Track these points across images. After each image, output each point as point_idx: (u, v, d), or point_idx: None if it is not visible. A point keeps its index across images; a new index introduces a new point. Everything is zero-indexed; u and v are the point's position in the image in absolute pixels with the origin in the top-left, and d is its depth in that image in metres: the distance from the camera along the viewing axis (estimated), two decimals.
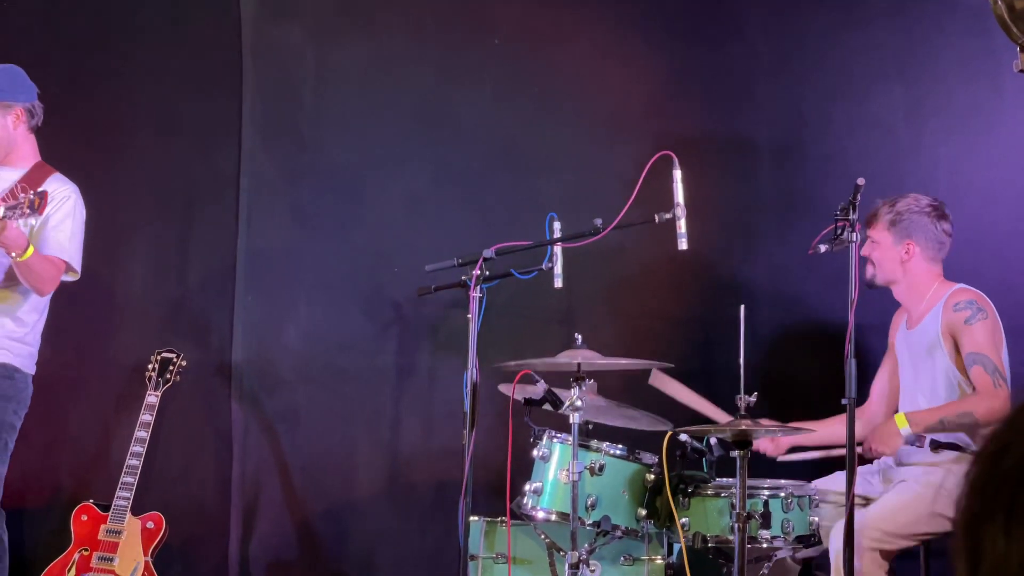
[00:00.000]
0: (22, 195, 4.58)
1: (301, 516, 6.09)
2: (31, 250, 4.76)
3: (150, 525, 5.66)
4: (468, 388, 4.74)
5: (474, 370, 4.75)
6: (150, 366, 5.93)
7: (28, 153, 5.02)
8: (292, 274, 6.23)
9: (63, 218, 4.97)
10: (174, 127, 6.33)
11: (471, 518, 4.74)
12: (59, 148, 6.29)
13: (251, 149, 6.24)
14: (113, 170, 6.32)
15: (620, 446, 4.80)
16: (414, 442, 6.08)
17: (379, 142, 6.22)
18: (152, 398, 5.83)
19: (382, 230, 6.17)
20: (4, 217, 4.52)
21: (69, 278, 5.01)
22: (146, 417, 5.78)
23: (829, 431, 5.15)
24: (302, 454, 6.13)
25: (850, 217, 4.55)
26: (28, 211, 4.54)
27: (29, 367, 5.03)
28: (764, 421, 4.69)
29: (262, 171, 6.25)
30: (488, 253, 4.80)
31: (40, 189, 4.68)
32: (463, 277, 4.88)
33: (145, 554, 5.61)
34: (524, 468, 4.89)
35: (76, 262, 5.01)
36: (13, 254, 4.72)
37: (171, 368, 5.93)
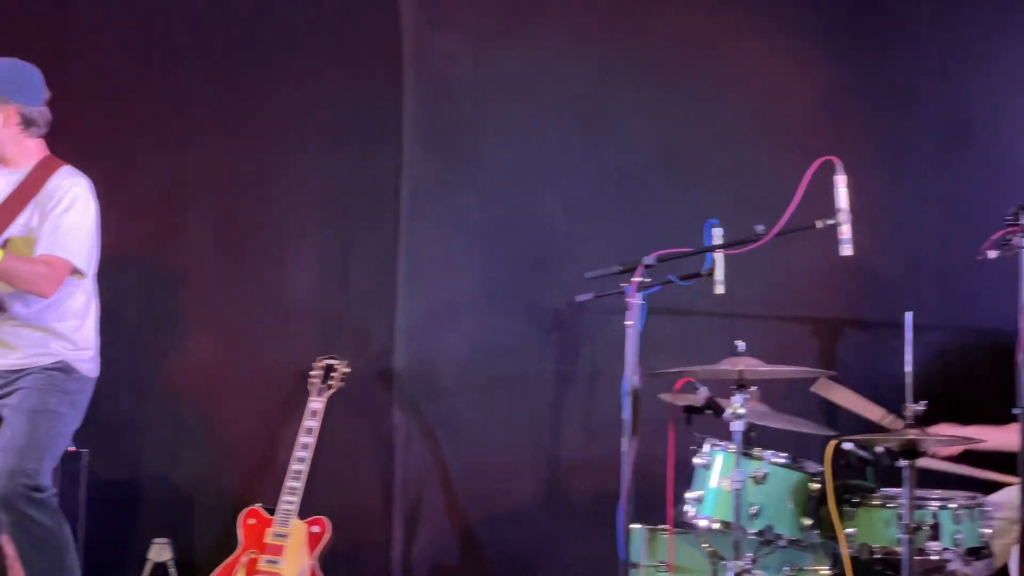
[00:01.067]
0: None
1: (462, 522, 6.12)
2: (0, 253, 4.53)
3: (315, 529, 5.74)
4: (628, 395, 4.70)
5: (634, 377, 4.71)
6: (314, 372, 6.01)
7: (33, 154, 4.80)
8: (452, 281, 6.27)
9: (62, 213, 4.69)
10: (336, 136, 6.41)
11: (632, 526, 4.72)
12: (222, 158, 6.45)
13: (412, 157, 6.29)
14: (277, 179, 6.43)
15: (783, 454, 4.73)
16: (573, 449, 6.06)
17: (538, 148, 6.22)
18: (316, 404, 5.91)
19: (541, 237, 6.17)
20: None
21: (75, 279, 4.74)
22: (310, 423, 5.86)
23: (1001, 439, 5.00)
24: (462, 460, 6.16)
25: (1021, 222, 4.41)
26: None
27: (88, 370, 4.87)
28: (936, 428, 4.58)
29: (422, 179, 6.30)
30: (649, 260, 4.74)
31: None
32: (623, 284, 4.85)
33: (311, 558, 5.69)
34: (684, 476, 4.85)
35: (80, 260, 4.71)
36: None
37: (334, 374, 6.00)
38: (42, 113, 4.81)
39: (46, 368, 4.72)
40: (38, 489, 4.55)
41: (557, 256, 6.11)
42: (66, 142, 6.22)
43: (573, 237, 6.11)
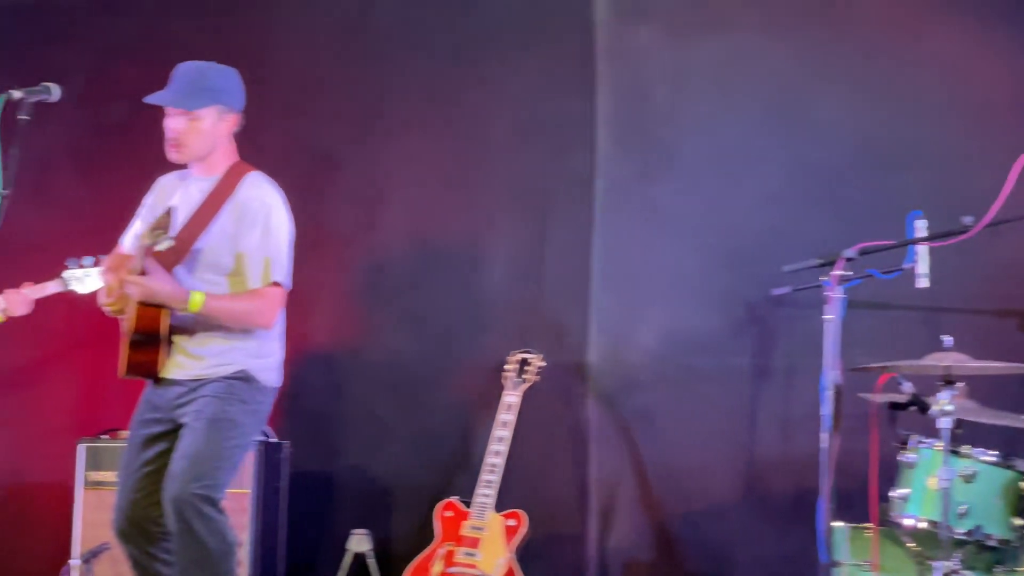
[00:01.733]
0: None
1: (658, 516, 6.09)
2: (197, 299, 4.48)
3: (512, 522, 5.77)
4: (828, 391, 4.63)
5: (834, 372, 4.64)
6: (509, 366, 6.04)
7: (230, 156, 4.78)
8: (646, 274, 6.24)
9: (266, 236, 4.65)
10: (530, 130, 6.44)
11: (834, 524, 4.64)
12: (419, 154, 6.53)
13: (605, 150, 6.29)
14: (473, 174, 6.49)
15: (993, 452, 4.61)
16: (771, 444, 5.99)
17: (733, 140, 6.16)
18: (511, 398, 5.95)
19: (737, 229, 6.10)
20: (148, 248, 4.32)
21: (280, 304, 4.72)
22: (505, 416, 5.90)
23: None
24: (658, 454, 6.13)
25: None
26: (161, 231, 4.35)
27: (270, 380, 4.77)
28: None
29: (616, 172, 6.29)
30: (849, 253, 4.67)
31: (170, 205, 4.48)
32: (822, 278, 4.78)
33: (507, 551, 5.72)
34: (886, 474, 4.75)
35: (288, 278, 4.71)
36: (179, 309, 4.46)
37: (529, 368, 6.03)
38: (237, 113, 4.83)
39: (227, 378, 4.62)
40: (210, 502, 4.46)
41: (753, 249, 6.04)
42: (267, 139, 6.38)
43: (769, 229, 6.03)
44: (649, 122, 6.27)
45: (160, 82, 6.93)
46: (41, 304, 6.82)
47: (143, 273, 4.48)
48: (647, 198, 6.26)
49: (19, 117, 4.29)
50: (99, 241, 6.89)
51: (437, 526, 5.85)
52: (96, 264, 5.47)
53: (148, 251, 4.44)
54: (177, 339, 4.64)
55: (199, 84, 4.69)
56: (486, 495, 5.79)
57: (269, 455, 5.98)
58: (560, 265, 6.36)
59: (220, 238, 4.66)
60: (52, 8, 7.13)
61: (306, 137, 6.66)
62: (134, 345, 4.62)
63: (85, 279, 5.55)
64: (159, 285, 4.44)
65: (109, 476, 6.03)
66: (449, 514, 5.86)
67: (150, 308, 4.52)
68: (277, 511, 6.03)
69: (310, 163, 6.63)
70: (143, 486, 4.63)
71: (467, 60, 6.56)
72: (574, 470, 6.20)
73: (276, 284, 4.65)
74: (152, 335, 4.58)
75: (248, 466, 5.77)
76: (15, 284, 6.50)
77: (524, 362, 6.05)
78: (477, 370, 6.33)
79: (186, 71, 4.73)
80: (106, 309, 4.73)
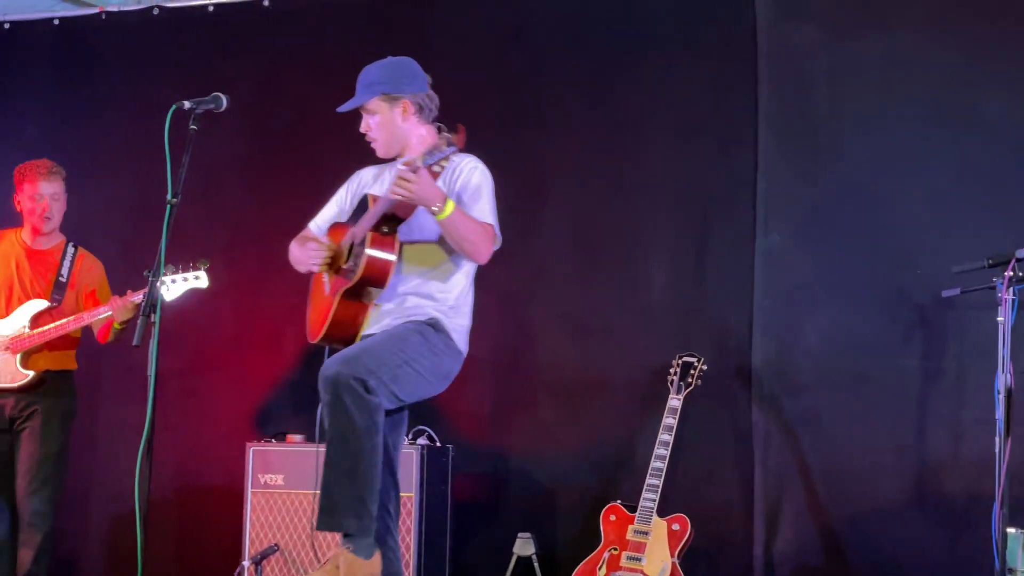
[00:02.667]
0: (441, 136, 4.34)
1: (825, 521, 6.01)
2: (451, 205, 4.46)
3: (676, 527, 5.75)
4: (1000, 394, 4.52)
5: (1008, 375, 4.53)
6: (672, 370, 6.02)
7: (426, 138, 4.76)
8: (810, 276, 6.16)
9: (480, 181, 4.68)
10: (691, 131, 6.42)
11: (1009, 530, 4.53)
12: (578, 156, 6.55)
13: (767, 151, 6.23)
14: (633, 175, 6.48)
15: None
16: (941, 448, 5.86)
17: (898, 139, 6.05)
18: (674, 401, 5.92)
19: (903, 230, 6.00)
20: (424, 165, 4.29)
21: (496, 246, 4.67)
22: (669, 420, 5.87)
23: None
24: (824, 458, 6.05)
25: None
26: (447, 147, 4.30)
27: (458, 339, 4.74)
28: None
29: (778, 173, 6.22)
30: (1022, 253, 4.56)
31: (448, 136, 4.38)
32: (994, 279, 4.67)
33: (672, 555, 5.70)
34: None
35: (498, 228, 4.70)
36: (434, 209, 4.43)
37: (692, 372, 6.00)
38: (431, 97, 4.84)
39: (417, 320, 4.66)
40: (365, 386, 4.41)
41: (920, 249, 5.93)
42: None
43: (937, 230, 5.92)
44: (811, 122, 6.19)
45: (323, 90, 7.09)
46: (210, 311, 7.02)
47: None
48: (810, 198, 6.19)
49: (189, 127, 4.42)
50: (262, 246, 7.08)
51: (602, 530, 5.85)
52: (173, 272, 5.67)
53: (410, 166, 4.38)
54: (384, 300, 4.70)
55: (363, 82, 4.81)
56: (650, 499, 5.77)
57: (433, 459, 6.03)
58: (722, 267, 6.32)
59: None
60: (219, 19, 7.30)
61: (466, 142, 6.70)
62: (348, 294, 4.65)
63: (172, 287, 5.72)
64: (428, 183, 4.41)
65: (278, 479, 6.15)
66: (613, 518, 5.85)
67: (380, 259, 4.55)
68: (442, 515, 6.09)
69: None
70: None
71: (627, 62, 6.56)
72: (738, 474, 6.15)
73: (493, 227, 4.67)
74: (373, 283, 4.60)
75: (412, 470, 5.83)
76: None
77: (687, 365, 6.02)
78: (640, 373, 6.32)
79: (360, 75, 4.84)
80: (314, 265, 4.80)
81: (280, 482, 6.17)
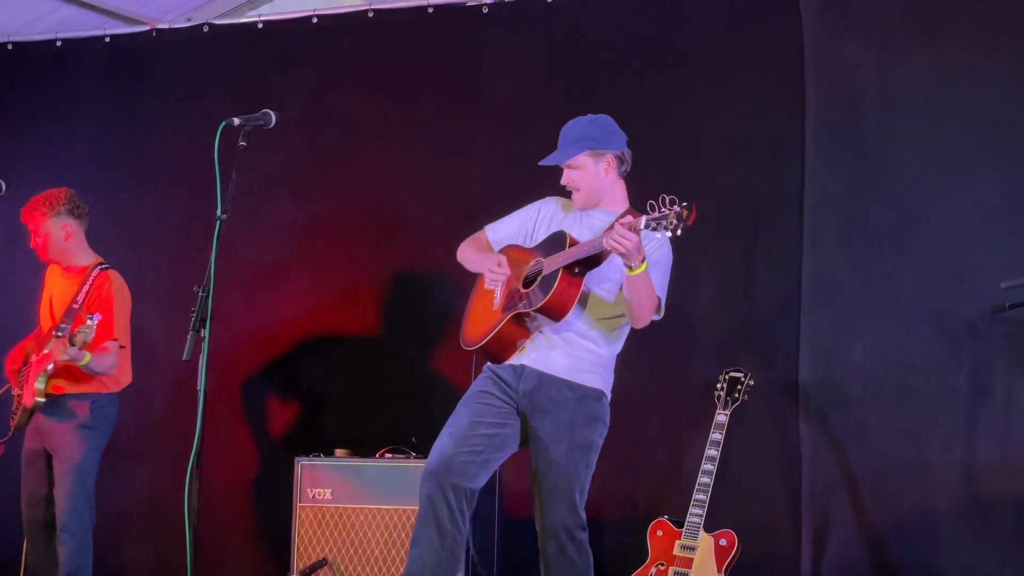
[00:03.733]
0: (667, 208, 4.49)
1: (873, 537, 5.98)
2: (644, 266, 4.65)
3: (723, 542, 5.73)
4: None
5: None
6: (719, 385, 6.00)
7: (619, 198, 5.06)
8: (858, 291, 6.14)
9: (663, 257, 4.91)
10: (738, 146, 6.41)
11: None
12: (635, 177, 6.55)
13: (814, 166, 6.21)
14: (680, 189, 6.42)
15: None
16: (990, 465, 5.82)
17: (948, 153, 6.02)
18: (721, 417, 5.91)
19: (952, 245, 5.96)
20: (645, 227, 4.48)
21: (656, 317, 4.90)
22: (716, 435, 5.86)
23: None
24: (872, 473, 6.02)
25: None
26: (676, 222, 4.45)
27: (609, 391, 5.05)
28: None
29: (826, 187, 6.21)
30: None
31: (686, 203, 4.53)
32: None
33: (719, 571, 5.68)
34: None
35: (664, 302, 4.92)
36: (632, 264, 4.61)
37: (739, 387, 5.98)
38: (628, 153, 5.06)
39: (587, 392, 4.92)
40: (581, 526, 4.89)
41: (969, 264, 5.89)
42: (478, 158, 6.51)
43: (987, 245, 5.88)
44: (859, 136, 6.17)
45: (372, 106, 7.16)
46: (259, 325, 7.07)
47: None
48: (858, 212, 6.17)
49: (239, 144, 4.46)
50: (312, 261, 7.12)
51: (649, 545, 5.84)
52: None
53: (631, 226, 4.55)
54: (552, 333, 4.91)
55: (569, 137, 5.02)
56: (697, 514, 5.76)
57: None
58: (769, 282, 6.30)
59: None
60: (269, 36, 7.36)
61: (517, 154, 6.72)
62: (519, 318, 4.86)
63: None
64: (639, 243, 4.59)
65: (326, 493, 6.19)
66: (660, 533, 5.85)
67: (565, 297, 4.74)
68: (491, 529, 6.10)
69: (519, 179, 6.69)
70: (472, 446, 4.85)
71: (674, 76, 6.57)
72: (786, 489, 6.13)
73: (661, 304, 4.88)
74: (550, 315, 4.78)
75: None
76: (235, 304, 6.75)
77: (734, 381, 6.00)
78: (687, 389, 6.32)
79: (563, 130, 5.06)
80: (495, 283, 4.96)
81: (328, 496, 6.21)
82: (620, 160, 5.02)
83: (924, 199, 6.04)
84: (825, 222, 6.19)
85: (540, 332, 4.90)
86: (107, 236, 6.90)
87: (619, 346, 5.03)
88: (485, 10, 6.95)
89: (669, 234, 4.47)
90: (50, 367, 5.86)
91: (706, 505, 5.76)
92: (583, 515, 4.87)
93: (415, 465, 6.02)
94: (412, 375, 6.86)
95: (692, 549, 5.74)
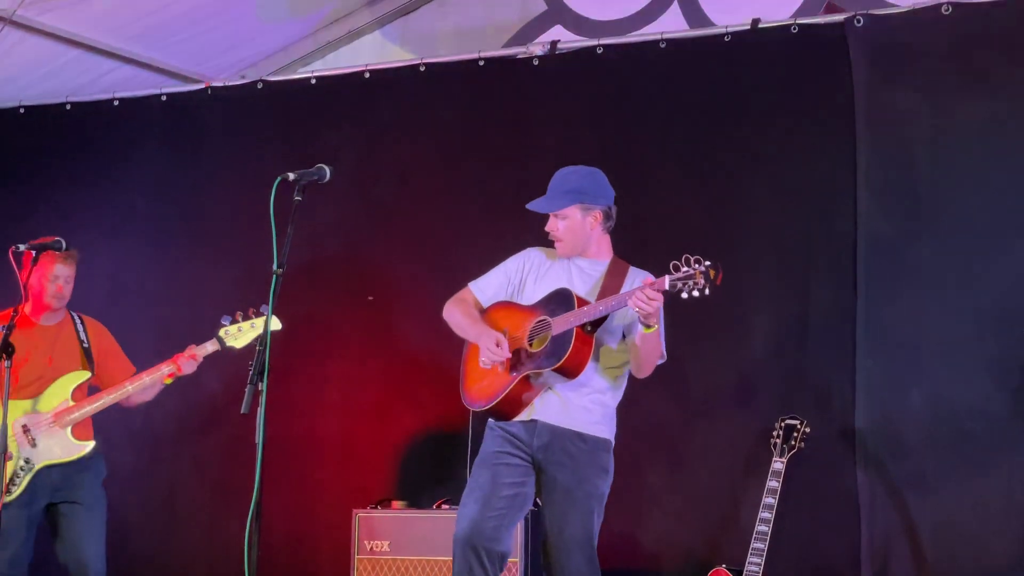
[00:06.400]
0: (692, 267, 4.59)
1: None
2: (656, 327, 4.77)
3: None
4: None
5: None
6: (775, 433, 5.99)
7: (605, 249, 5.14)
8: (914, 336, 6.11)
9: (661, 306, 4.83)
10: (791, 192, 6.41)
11: None
12: (677, 217, 6.55)
13: (867, 211, 6.20)
14: (733, 236, 6.45)
15: None
16: None
17: (1002, 199, 5.99)
18: (778, 464, 5.89)
19: (1008, 290, 5.93)
20: (671, 288, 4.58)
21: (660, 362, 5.01)
22: (773, 483, 5.84)
23: None
24: (931, 521, 5.97)
25: None
26: (703, 282, 4.56)
27: (613, 440, 5.10)
28: None
29: (879, 233, 6.19)
30: None
31: (711, 262, 4.65)
32: None
33: None
34: None
35: (664, 350, 5.00)
36: (650, 322, 4.72)
37: (795, 434, 5.96)
38: (614, 209, 5.15)
39: (596, 443, 5.01)
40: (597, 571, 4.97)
41: None
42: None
43: None
44: (911, 183, 6.16)
45: (424, 158, 7.21)
46: (319, 380, 7.10)
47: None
48: (912, 258, 6.14)
49: (294, 198, 4.49)
50: (368, 315, 7.16)
51: None
52: (239, 319, 5.74)
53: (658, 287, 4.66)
54: (561, 387, 4.98)
55: (561, 188, 5.10)
56: (755, 563, 5.74)
57: (538, 523, 6.03)
58: (824, 328, 6.28)
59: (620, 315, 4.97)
60: (321, 91, 7.44)
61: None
62: (532, 377, 4.95)
63: (239, 335, 5.77)
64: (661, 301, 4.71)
65: (384, 545, 6.20)
66: None
67: (581, 356, 4.84)
68: None
69: None
70: (498, 509, 4.93)
71: (726, 124, 6.58)
72: (844, 537, 6.08)
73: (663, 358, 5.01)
74: (566, 374, 4.88)
75: (518, 535, 5.86)
76: (292, 360, 6.78)
77: (790, 428, 5.98)
78: (743, 436, 6.30)
79: (555, 178, 5.14)
80: (496, 361, 4.99)
81: (386, 548, 6.23)
82: (607, 216, 5.10)
83: (978, 246, 6.01)
84: (879, 267, 6.17)
85: (549, 388, 4.98)
86: (164, 291, 6.99)
87: (621, 395, 5.12)
88: (536, 62, 7.00)
89: (696, 294, 4.51)
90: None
91: (764, 554, 5.73)
92: (597, 564, 4.96)
93: None
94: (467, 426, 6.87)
95: None
